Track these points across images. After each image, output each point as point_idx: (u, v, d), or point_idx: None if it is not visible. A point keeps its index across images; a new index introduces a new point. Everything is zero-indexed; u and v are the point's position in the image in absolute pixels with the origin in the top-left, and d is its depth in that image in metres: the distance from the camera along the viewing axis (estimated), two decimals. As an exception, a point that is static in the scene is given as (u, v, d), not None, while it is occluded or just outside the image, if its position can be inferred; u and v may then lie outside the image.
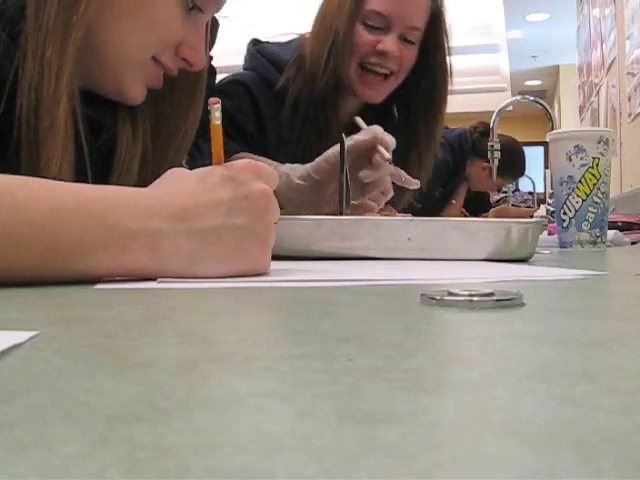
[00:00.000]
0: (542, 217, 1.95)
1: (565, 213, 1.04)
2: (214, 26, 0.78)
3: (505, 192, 3.25)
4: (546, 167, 4.27)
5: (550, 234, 1.42)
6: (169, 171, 0.47)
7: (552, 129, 1.51)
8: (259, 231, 0.45)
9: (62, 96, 0.56)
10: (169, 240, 0.41)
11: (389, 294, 0.38)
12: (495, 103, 1.95)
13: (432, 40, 1.15)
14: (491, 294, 0.29)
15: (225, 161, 0.47)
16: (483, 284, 0.41)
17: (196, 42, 0.67)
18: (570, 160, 1.03)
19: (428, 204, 1.52)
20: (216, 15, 0.72)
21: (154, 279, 0.41)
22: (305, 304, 0.33)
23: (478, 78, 7.21)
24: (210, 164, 0.47)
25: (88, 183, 0.43)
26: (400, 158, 1.04)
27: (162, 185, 0.45)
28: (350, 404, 0.14)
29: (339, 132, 0.92)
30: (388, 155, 0.96)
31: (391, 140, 0.98)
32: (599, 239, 1.03)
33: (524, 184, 3.61)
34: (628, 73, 2.89)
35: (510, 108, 1.79)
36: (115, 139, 0.68)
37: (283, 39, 1.23)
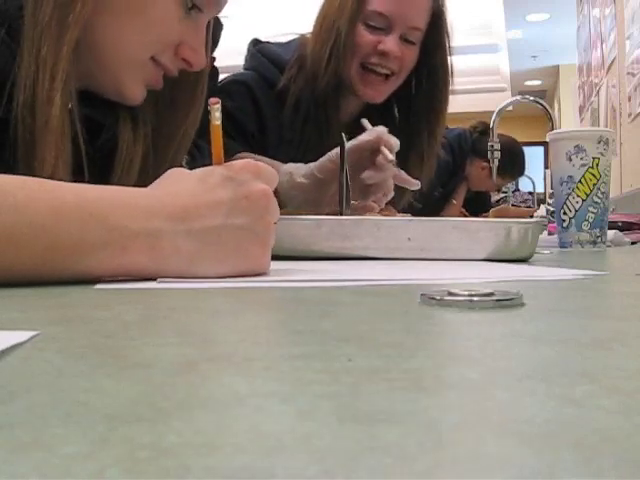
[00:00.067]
0: (542, 217, 1.95)
1: (565, 213, 1.04)
2: (217, 27, 0.78)
3: (505, 192, 3.25)
4: (546, 167, 4.27)
5: (550, 234, 1.42)
6: (169, 171, 0.47)
7: (552, 129, 1.51)
8: (259, 231, 0.45)
9: (56, 94, 0.56)
10: (169, 240, 0.41)
11: (389, 294, 0.38)
12: (495, 103, 1.95)
13: (433, 40, 1.15)
14: (491, 294, 0.29)
15: (226, 161, 0.47)
16: (483, 284, 0.41)
17: (196, 42, 0.67)
18: (570, 160, 1.03)
19: (428, 204, 1.52)
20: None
21: (154, 279, 0.41)
22: (305, 304, 0.33)
23: (478, 78, 7.20)
24: (210, 164, 0.47)
25: (85, 183, 0.43)
26: (401, 158, 1.04)
27: (162, 185, 0.45)
28: (350, 404, 0.14)
29: (340, 132, 0.92)
30: (391, 157, 0.96)
31: (395, 142, 0.98)
32: (599, 239, 1.03)
33: (524, 184, 3.61)
34: (628, 73, 2.89)
35: (510, 108, 1.79)
36: (116, 139, 0.68)
37: (283, 39, 1.23)
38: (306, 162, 1.03)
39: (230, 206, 0.43)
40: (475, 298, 0.29)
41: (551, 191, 1.73)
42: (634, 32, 2.76)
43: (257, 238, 0.45)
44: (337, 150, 0.96)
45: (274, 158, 1.04)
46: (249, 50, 1.23)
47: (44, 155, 0.56)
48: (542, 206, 2.44)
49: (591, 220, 1.02)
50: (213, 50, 0.83)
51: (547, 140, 1.09)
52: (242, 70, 1.23)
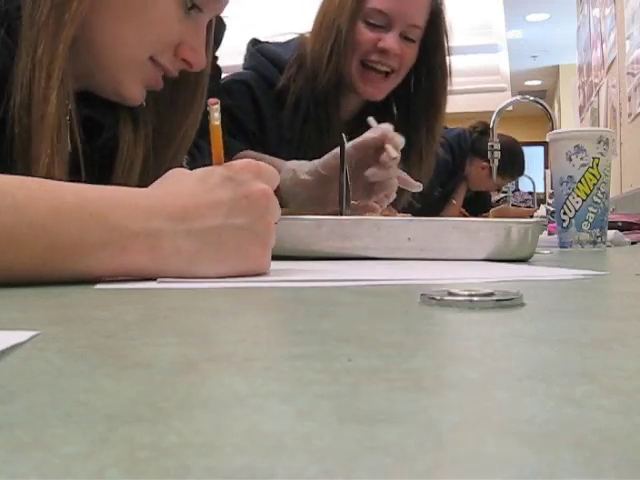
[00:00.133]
0: (542, 217, 1.95)
1: (565, 213, 1.04)
2: (220, 27, 0.78)
3: (505, 192, 3.25)
4: (546, 167, 4.26)
5: (550, 234, 1.42)
6: (170, 172, 0.47)
7: (552, 129, 1.51)
8: (259, 231, 0.45)
9: (52, 92, 0.56)
10: (169, 240, 0.41)
11: (389, 294, 0.38)
12: (495, 103, 1.95)
13: (432, 39, 1.16)
14: (491, 294, 0.29)
15: (228, 160, 0.47)
16: (483, 284, 0.41)
17: (196, 43, 0.67)
18: (570, 160, 1.03)
19: (428, 204, 1.52)
20: (216, 15, 0.72)
21: (154, 279, 0.41)
22: (305, 304, 0.33)
23: (478, 78, 7.20)
24: (211, 164, 0.47)
25: (82, 182, 0.43)
26: (401, 157, 1.04)
27: (162, 185, 0.45)
28: (350, 404, 0.14)
29: (340, 130, 0.92)
30: (395, 154, 0.96)
31: (400, 140, 0.98)
32: (599, 239, 1.03)
33: (524, 184, 3.61)
34: (628, 73, 2.89)
35: (510, 108, 1.79)
36: (117, 140, 0.68)
37: (282, 39, 1.23)
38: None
39: (230, 206, 0.43)
40: (475, 298, 0.29)
41: (551, 191, 1.73)
42: (634, 32, 2.76)
43: (257, 238, 0.45)
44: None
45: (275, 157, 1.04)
46: (248, 50, 1.23)
47: (39, 153, 0.56)
48: (542, 206, 2.44)
49: (591, 220, 1.02)
50: (216, 50, 0.83)
51: (547, 140, 1.09)
52: (241, 70, 1.23)
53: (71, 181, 0.44)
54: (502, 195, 3.28)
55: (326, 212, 0.88)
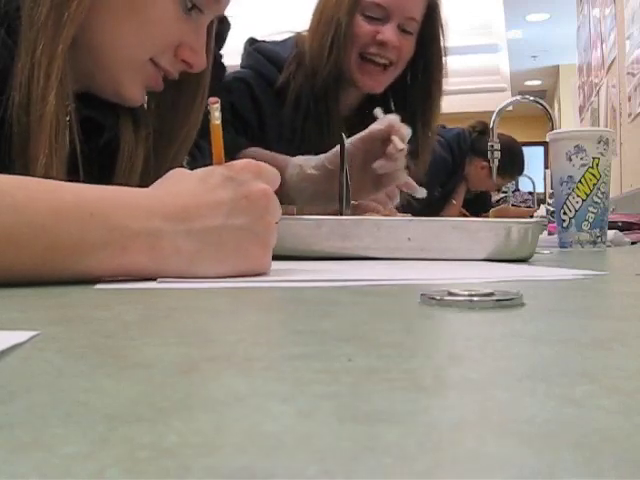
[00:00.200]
0: (542, 217, 1.95)
1: (565, 213, 1.04)
2: (225, 26, 0.78)
3: (505, 192, 3.25)
4: (546, 167, 4.27)
5: (550, 234, 1.42)
6: (170, 172, 0.47)
7: (552, 129, 1.51)
8: (259, 231, 0.45)
9: (51, 92, 0.56)
10: (169, 240, 0.41)
11: (389, 294, 0.38)
12: (495, 103, 1.95)
13: (428, 32, 1.17)
14: (491, 294, 0.29)
15: (234, 157, 0.47)
16: (483, 284, 0.41)
17: (196, 44, 0.66)
18: (570, 160, 1.03)
19: (427, 204, 1.52)
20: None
21: (154, 279, 0.41)
22: (305, 304, 0.33)
23: (478, 78, 7.20)
24: (211, 164, 0.47)
25: (80, 183, 0.43)
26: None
27: (163, 185, 0.45)
28: (350, 404, 0.14)
29: (340, 126, 0.92)
30: (402, 145, 0.95)
31: (407, 131, 0.98)
32: (599, 239, 1.03)
33: (524, 184, 3.61)
34: (628, 73, 2.89)
35: (510, 108, 1.79)
36: (118, 141, 0.68)
37: (279, 37, 1.24)
38: None
39: (230, 206, 0.43)
40: (475, 298, 0.29)
41: (551, 191, 1.73)
42: (634, 32, 2.76)
43: (257, 238, 0.45)
44: (349, 140, 0.96)
45: None
46: (245, 49, 1.24)
47: (37, 153, 0.56)
48: (542, 206, 2.44)
49: (591, 220, 1.02)
50: (220, 48, 0.83)
51: (547, 140, 1.09)
52: (238, 69, 1.23)
53: (70, 181, 0.44)
54: (502, 195, 3.28)
55: (329, 210, 0.88)
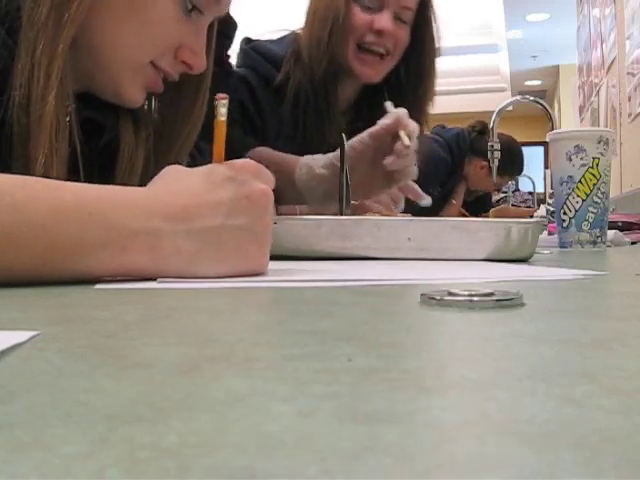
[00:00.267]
0: (542, 217, 1.95)
1: (565, 213, 1.04)
2: (232, 26, 0.78)
3: (505, 192, 3.25)
4: (546, 167, 4.27)
5: (550, 234, 1.42)
6: (166, 169, 0.47)
7: (552, 129, 1.51)
8: (258, 231, 0.45)
9: (51, 92, 0.56)
10: (169, 240, 0.41)
11: (389, 294, 0.38)
12: (495, 103, 1.95)
13: (421, 23, 1.18)
14: (491, 294, 0.29)
15: (243, 157, 0.47)
16: (483, 284, 0.41)
17: (196, 45, 0.66)
18: (570, 160, 1.03)
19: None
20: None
21: (154, 279, 0.41)
22: (305, 304, 0.33)
23: (478, 78, 7.21)
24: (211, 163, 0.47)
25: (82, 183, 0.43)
26: None
27: (161, 183, 0.45)
28: (350, 404, 0.14)
29: (340, 119, 0.91)
30: (408, 142, 0.95)
31: (414, 126, 0.98)
32: (599, 239, 1.03)
33: (524, 184, 3.61)
34: (628, 73, 2.89)
35: (510, 108, 1.79)
36: (118, 142, 0.68)
37: (274, 36, 1.24)
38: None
39: (230, 206, 0.43)
40: (475, 298, 0.29)
41: (551, 191, 1.73)
42: (634, 32, 2.76)
43: (256, 238, 0.45)
44: (357, 138, 0.97)
45: None
46: (241, 49, 1.24)
47: (37, 153, 0.56)
48: (542, 206, 2.44)
49: (591, 220, 1.02)
50: (227, 49, 0.83)
51: (547, 140, 1.09)
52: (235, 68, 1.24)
53: (70, 181, 0.44)
54: (502, 195, 3.29)
55: (329, 213, 0.88)
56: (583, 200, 1.02)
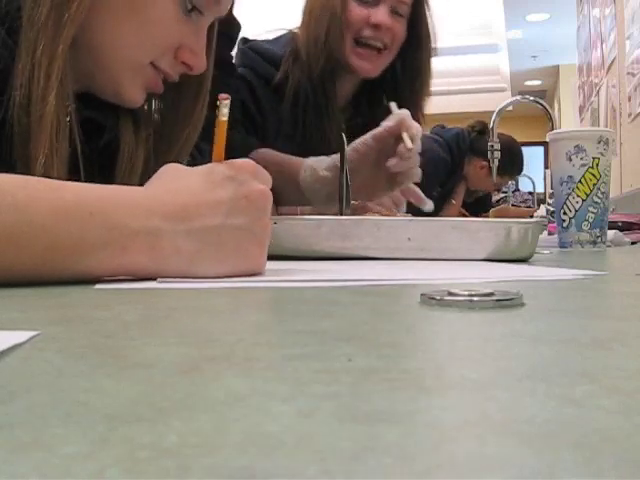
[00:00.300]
0: (542, 217, 1.95)
1: (565, 213, 1.04)
2: (235, 27, 0.78)
3: (505, 192, 3.25)
4: (546, 167, 4.27)
5: (550, 234, 1.42)
6: (164, 167, 0.47)
7: (552, 129, 1.51)
8: (257, 231, 0.45)
9: (51, 92, 0.56)
10: (169, 240, 0.41)
11: (389, 294, 0.38)
12: (495, 103, 1.95)
13: (417, 17, 1.18)
14: (491, 294, 0.29)
15: (239, 157, 0.47)
16: (483, 284, 0.41)
17: (196, 46, 0.66)
18: (570, 160, 1.03)
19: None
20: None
21: (154, 279, 0.41)
22: (305, 304, 0.33)
23: (478, 78, 7.21)
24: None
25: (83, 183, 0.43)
26: None
27: (161, 182, 0.45)
28: (350, 404, 0.14)
29: (339, 117, 0.91)
30: (411, 144, 0.95)
31: (417, 128, 0.98)
32: (599, 239, 1.03)
33: (524, 184, 3.61)
34: (628, 73, 2.89)
35: (510, 108, 1.79)
36: (118, 142, 0.68)
37: (271, 35, 1.25)
38: (306, 156, 1.03)
39: (230, 206, 0.43)
40: (475, 298, 0.29)
41: (551, 191, 1.73)
42: (634, 32, 2.76)
43: (255, 238, 0.45)
44: (361, 140, 0.97)
45: None
46: (239, 48, 1.24)
47: (37, 153, 0.56)
48: (542, 206, 2.44)
49: (591, 220, 1.02)
50: (230, 50, 0.83)
51: (547, 140, 1.09)
52: None
53: (70, 181, 0.44)
54: (502, 195, 3.29)
55: (330, 213, 0.88)
56: (583, 200, 1.02)
